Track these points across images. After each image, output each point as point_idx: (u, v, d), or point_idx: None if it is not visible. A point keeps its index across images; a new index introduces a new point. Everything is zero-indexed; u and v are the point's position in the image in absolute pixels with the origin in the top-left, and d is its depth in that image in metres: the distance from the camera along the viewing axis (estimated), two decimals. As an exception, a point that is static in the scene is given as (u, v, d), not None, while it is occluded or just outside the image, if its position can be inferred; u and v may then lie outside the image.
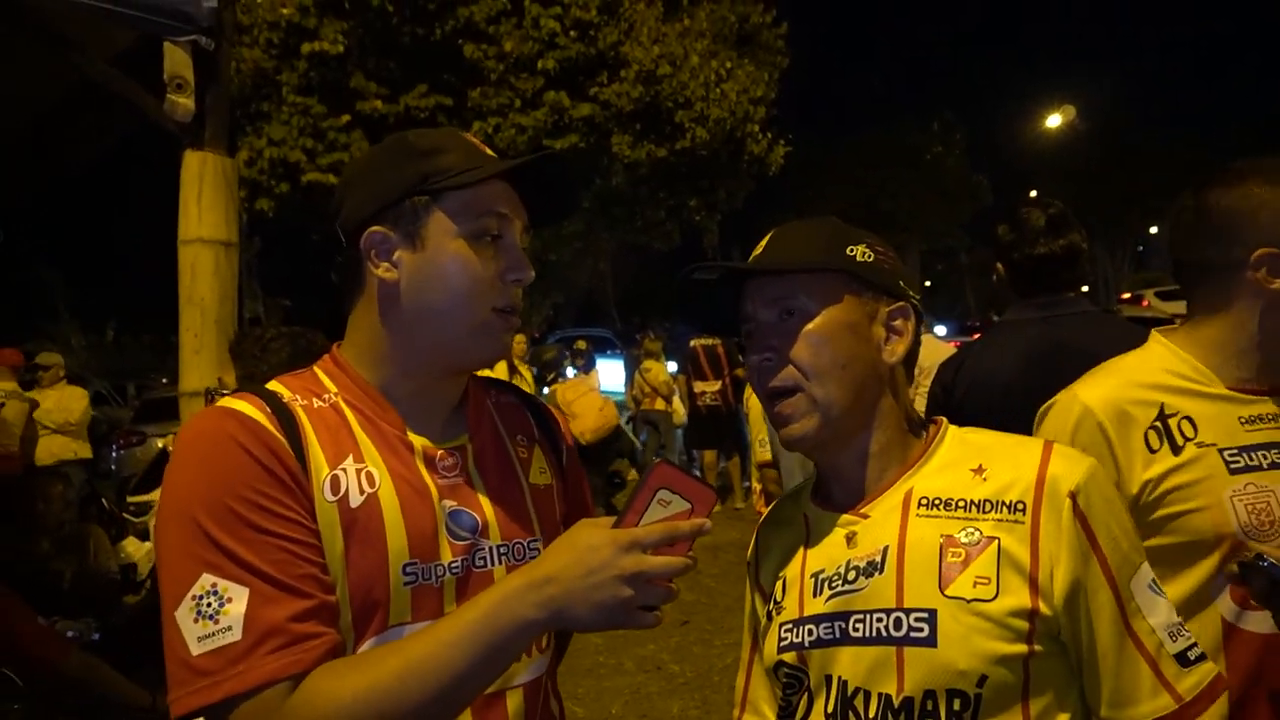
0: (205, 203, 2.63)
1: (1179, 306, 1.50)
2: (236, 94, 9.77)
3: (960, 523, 0.97)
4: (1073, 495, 0.95)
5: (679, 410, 9.44)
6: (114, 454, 10.85)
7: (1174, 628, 0.96)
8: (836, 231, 1.09)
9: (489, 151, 1.08)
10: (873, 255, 1.07)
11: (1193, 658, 0.96)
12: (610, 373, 13.08)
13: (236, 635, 0.84)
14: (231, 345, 2.66)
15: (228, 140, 2.73)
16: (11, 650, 2.41)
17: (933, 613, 0.94)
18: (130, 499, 6.49)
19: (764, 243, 1.12)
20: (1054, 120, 29.50)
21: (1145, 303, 20.63)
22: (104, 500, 6.84)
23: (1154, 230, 37.09)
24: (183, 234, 2.67)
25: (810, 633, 1.02)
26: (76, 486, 6.28)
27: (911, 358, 1.09)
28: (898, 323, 1.06)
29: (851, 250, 1.06)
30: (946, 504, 0.99)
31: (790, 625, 1.05)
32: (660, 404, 9.55)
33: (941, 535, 0.97)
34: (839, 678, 0.99)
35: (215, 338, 2.64)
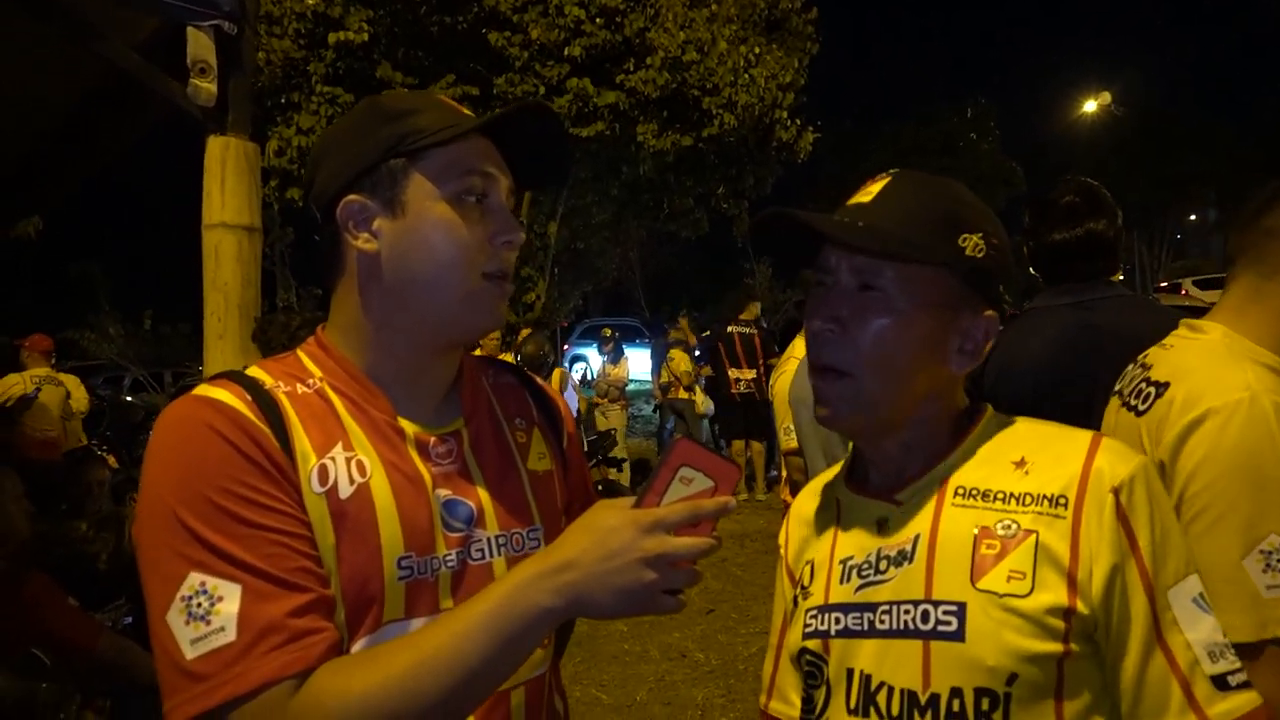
0: (228, 188, 2.65)
1: (1218, 295, 1.43)
2: (267, 84, 9.87)
3: (997, 514, 0.91)
4: (1115, 491, 0.88)
5: (701, 399, 9.44)
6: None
7: (1216, 648, 0.88)
8: (956, 209, 0.98)
9: (466, 111, 1.02)
10: (984, 250, 0.96)
11: (1233, 683, 0.87)
12: (638, 361, 13.10)
13: (231, 636, 0.80)
14: (255, 332, 2.67)
15: (251, 125, 2.74)
16: (42, 633, 2.45)
17: (962, 606, 0.89)
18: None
19: (876, 190, 0.99)
20: (1090, 106, 28.93)
21: (1184, 291, 20.26)
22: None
23: (1193, 218, 36.30)
24: (206, 219, 2.68)
25: (837, 621, 0.98)
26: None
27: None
28: (979, 336, 0.98)
29: (964, 241, 0.95)
30: (984, 495, 0.94)
31: (816, 612, 1.01)
32: (685, 393, 9.57)
33: (976, 526, 0.92)
34: (861, 671, 0.94)
35: (239, 323, 2.66)
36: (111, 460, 6.60)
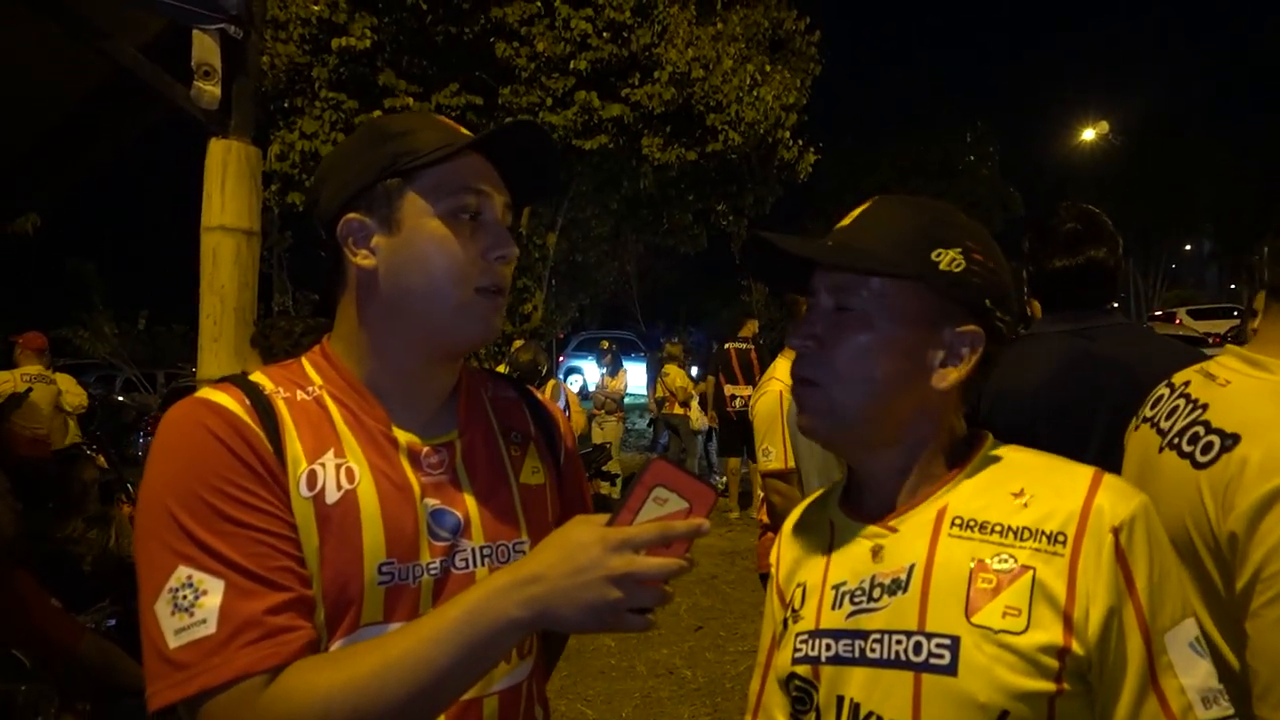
0: (229, 191, 2.65)
1: (1212, 325, 1.36)
2: (270, 89, 9.89)
3: (994, 547, 0.90)
4: (1115, 531, 0.86)
5: (696, 415, 9.42)
6: (140, 440, 11.06)
7: (1210, 693, 0.86)
8: (933, 226, 0.98)
9: (465, 131, 1.05)
10: (963, 264, 0.96)
11: None
12: (633, 375, 13.10)
13: (211, 628, 0.83)
14: (255, 337, 2.66)
15: (253, 129, 2.74)
16: (24, 632, 2.42)
17: (955, 640, 0.87)
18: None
19: (854, 215, 1.02)
20: (1088, 134, 29.16)
21: (1178, 320, 20.39)
22: (130, 485, 6.92)
23: (1188, 247, 36.50)
24: (205, 221, 2.68)
25: (828, 648, 0.97)
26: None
27: (973, 383, 1.01)
28: (963, 350, 0.98)
29: (938, 255, 0.96)
30: (981, 526, 0.92)
31: (806, 637, 1.00)
32: (680, 409, 9.55)
33: (973, 559, 0.90)
34: (850, 699, 0.94)
35: (234, 326, 2.66)
36: (100, 460, 6.55)
